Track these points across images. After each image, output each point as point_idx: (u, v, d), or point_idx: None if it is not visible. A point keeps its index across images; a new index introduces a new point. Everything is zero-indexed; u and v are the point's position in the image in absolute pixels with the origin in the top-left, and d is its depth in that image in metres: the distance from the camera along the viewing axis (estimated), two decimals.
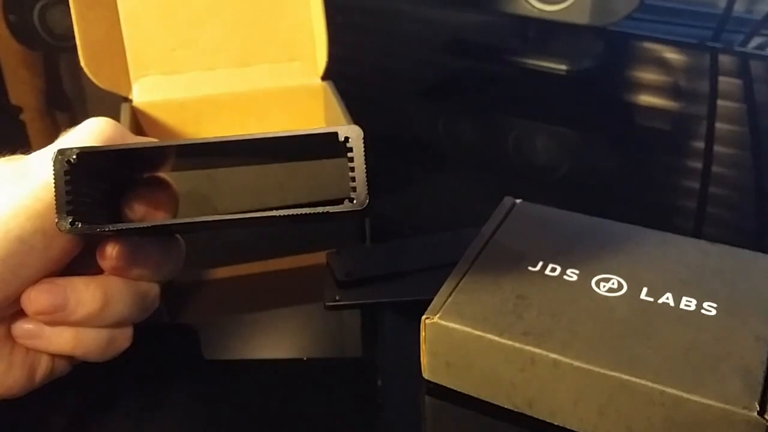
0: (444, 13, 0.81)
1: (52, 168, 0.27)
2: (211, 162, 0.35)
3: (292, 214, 0.27)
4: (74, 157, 0.27)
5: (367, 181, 0.26)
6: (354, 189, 0.26)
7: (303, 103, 0.52)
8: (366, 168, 0.26)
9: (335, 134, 0.26)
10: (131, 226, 0.29)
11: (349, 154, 0.26)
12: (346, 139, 0.26)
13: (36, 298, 0.28)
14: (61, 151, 0.27)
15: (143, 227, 0.29)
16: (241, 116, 0.51)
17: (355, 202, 0.26)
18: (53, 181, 0.27)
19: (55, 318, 0.29)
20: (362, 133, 0.26)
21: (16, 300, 0.28)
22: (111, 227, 0.28)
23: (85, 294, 0.29)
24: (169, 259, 0.32)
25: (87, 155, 0.27)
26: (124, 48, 0.49)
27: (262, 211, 0.27)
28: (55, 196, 0.27)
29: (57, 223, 0.27)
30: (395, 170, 0.51)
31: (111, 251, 0.29)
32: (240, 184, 0.42)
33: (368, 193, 0.26)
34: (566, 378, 0.28)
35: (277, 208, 0.27)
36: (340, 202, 0.26)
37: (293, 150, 0.30)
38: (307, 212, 0.27)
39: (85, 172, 0.27)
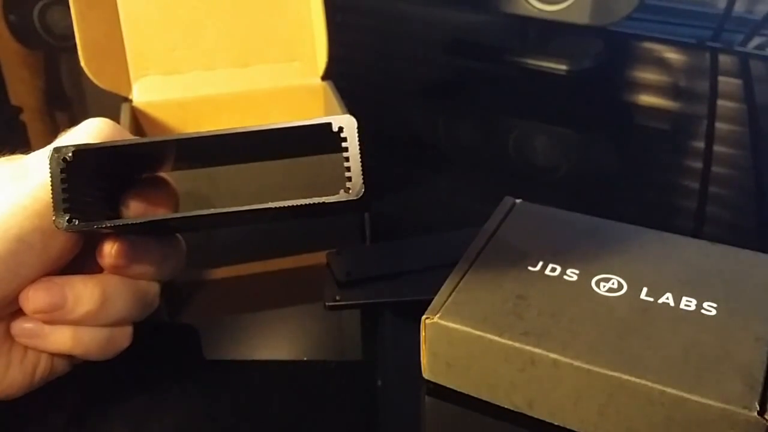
0: (444, 13, 0.81)
1: (49, 166, 0.27)
2: (208, 158, 0.35)
3: (288, 206, 0.27)
4: (70, 155, 0.27)
5: (362, 170, 0.26)
6: (349, 179, 0.26)
7: (303, 103, 0.52)
8: (361, 158, 0.26)
9: (329, 125, 0.26)
10: (129, 222, 0.29)
11: (344, 144, 0.26)
12: (340, 129, 0.26)
13: (34, 297, 0.28)
14: (57, 149, 0.27)
15: (140, 223, 0.29)
16: (241, 116, 0.51)
17: (350, 191, 0.26)
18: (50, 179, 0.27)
19: (54, 317, 0.29)
20: (356, 122, 0.26)
21: (15, 299, 0.28)
22: (108, 223, 0.28)
23: (83, 292, 0.29)
24: (169, 258, 0.32)
25: (83, 153, 0.27)
26: (124, 48, 0.49)
27: (259, 204, 0.27)
28: (52, 193, 0.27)
29: (54, 220, 0.27)
30: (395, 170, 0.51)
31: (110, 249, 0.29)
32: (240, 185, 0.42)
33: (363, 183, 0.26)
34: (566, 378, 0.28)
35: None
36: None
37: (289, 143, 0.30)
38: (303, 203, 0.27)
39: (82, 170, 0.27)
